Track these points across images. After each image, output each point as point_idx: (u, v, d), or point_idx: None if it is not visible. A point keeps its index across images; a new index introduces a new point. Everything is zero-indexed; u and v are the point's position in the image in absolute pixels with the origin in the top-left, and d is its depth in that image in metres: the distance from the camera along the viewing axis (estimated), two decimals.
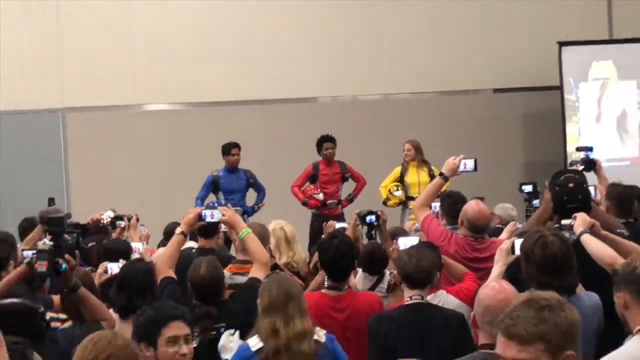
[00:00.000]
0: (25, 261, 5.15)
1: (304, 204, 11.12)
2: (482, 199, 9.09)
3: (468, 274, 5.60)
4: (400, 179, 11.03)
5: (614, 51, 14.10)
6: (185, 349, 3.83)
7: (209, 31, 13.64)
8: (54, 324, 4.86)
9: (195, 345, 4.01)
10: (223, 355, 4.84)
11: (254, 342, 4.43)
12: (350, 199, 11.25)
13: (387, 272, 5.93)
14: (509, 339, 2.75)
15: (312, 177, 11.28)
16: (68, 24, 13.41)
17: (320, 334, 4.48)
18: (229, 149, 11.23)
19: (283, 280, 4.60)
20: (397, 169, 11.18)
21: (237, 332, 4.87)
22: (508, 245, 4.95)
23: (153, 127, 13.55)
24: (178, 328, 3.85)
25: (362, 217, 6.68)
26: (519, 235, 5.23)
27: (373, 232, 6.51)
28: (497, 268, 4.93)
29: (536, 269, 4.47)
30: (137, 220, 8.83)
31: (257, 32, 13.74)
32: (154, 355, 3.80)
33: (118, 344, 3.25)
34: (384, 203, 10.40)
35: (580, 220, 5.03)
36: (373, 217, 6.57)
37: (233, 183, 11.10)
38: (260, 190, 11.23)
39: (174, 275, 5.37)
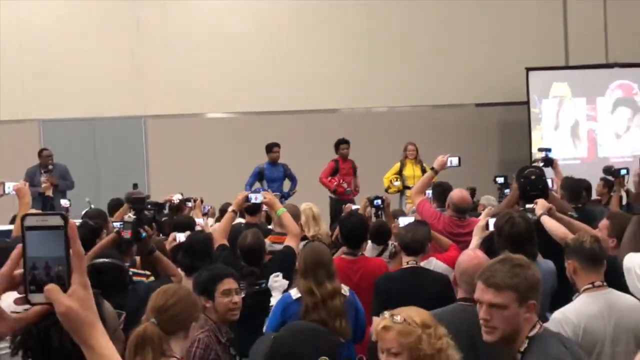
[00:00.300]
0: (115, 230, 5.18)
1: (334, 191, 11.09)
2: (474, 189, 9.09)
3: (452, 246, 5.59)
4: (399, 172, 11.03)
5: (569, 75, 14.05)
6: (236, 298, 3.86)
7: (257, 54, 13.61)
8: (138, 278, 4.86)
9: (243, 296, 4.02)
10: (273, 293, 4.84)
11: (294, 293, 4.43)
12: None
13: (390, 243, 5.91)
14: (487, 287, 2.79)
15: (335, 170, 11.28)
16: (150, 43, 13.41)
17: (345, 289, 4.47)
18: (272, 147, 11.22)
19: (315, 250, 4.53)
20: (396, 165, 11.16)
21: (280, 274, 4.88)
22: (483, 223, 4.95)
23: (214, 131, 13.54)
24: (229, 283, 3.87)
25: (371, 201, 6.65)
26: (492, 216, 5.21)
27: (379, 212, 6.47)
28: (475, 241, 4.93)
29: (505, 241, 4.46)
30: (202, 202, 8.88)
31: (295, 56, 13.71)
32: (212, 306, 3.82)
33: (183, 292, 3.30)
34: (386, 191, 10.35)
35: (540, 205, 5.01)
36: (379, 201, 6.53)
37: (274, 174, 11.09)
38: (293, 180, 11.18)
39: (227, 243, 5.39)
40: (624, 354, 3.70)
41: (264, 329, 4.52)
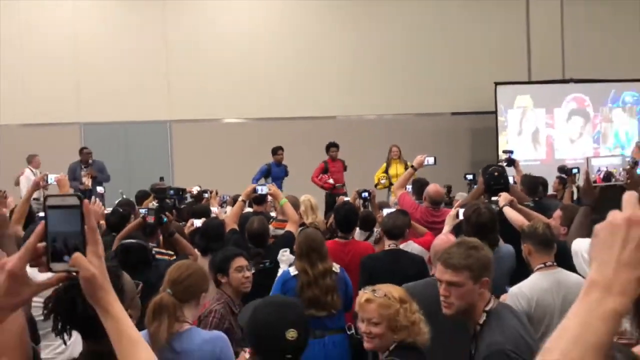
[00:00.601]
0: (141, 216, 5.18)
1: (322, 187, 11.10)
2: (450, 187, 9.02)
3: (428, 233, 5.59)
4: (386, 171, 11.04)
5: (531, 89, 14.03)
6: (247, 273, 3.90)
7: (266, 68, 13.59)
8: (162, 257, 4.81)
9: (252, 272, 4.04)
10: (280, 265, 4.83)
11: (293, 270, 4.45)
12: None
13: (375, 229, 5.90)
14: (445, 268, 2.75)
15: (324, 170, 11.25)
16: (175, 60, 13.39)
17: (336, 267, 4.47)
18: (277, 150, 11.27)
19: (309, 236, 4.50)
20: (383, 165, 11.17)
21: (288, 250, 4.85)
22: (454, 212, 4.92)
23: (228, 134, 13.55)
24: (241, 261, 3.89)
25: (359, 193, 6.61)
26: (462, 206, 5.20)
27: (366, 203, 6.46)
28: (446, 227, 4.90)
29: (472, 228, 4.43)
30: (217, 193, 8.88)
31: (299, 70, 13.70)
32: (227, 281, 3.83)
33: (195, 267, 3.31)
34: (375, 187, 10.35)
35: (503, 197, 4.99)
36: (367, 194, 6.48)
37: (278, 173, 11.13)
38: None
39: (237, 228, 5.39)
40: None
41: None
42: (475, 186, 7.57)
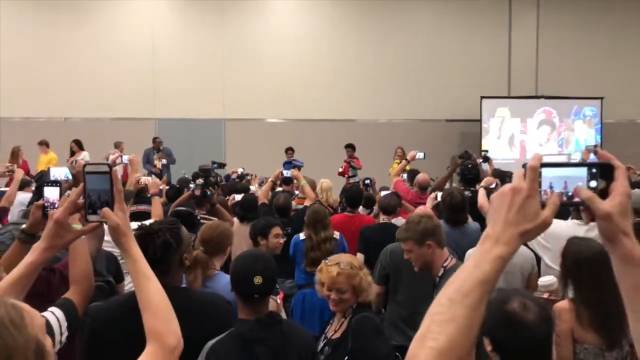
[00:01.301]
0: (191, 189, 5.24)
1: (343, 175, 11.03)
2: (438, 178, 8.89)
3: (413, 211, 5.56)
4: None
5: (509, 102, 13.79)
6: (281, 240, 3.98)
7: (301, 75, 13.60)
8: (205, 221, 4.87)
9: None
10: None
11: (302, 235, 4.51)
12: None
13: (375, 207, 5.92)
14: (399, 241, 3.01)
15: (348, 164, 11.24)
16: (230, 66, 13.36)
17: (336, 235, 4.50)
18: (287, 150, 11.22)
19: (314, 210, 4.53)
20: (394, 164, 11.05)
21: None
22: (433, 195, 4.94)
23: (270, 132, 13.55)
24: (278, 229, 3.98)
25: (363, 181, 6.65)
26: (438, 189, 5.25)
27: (368, 188, 6.44)
28: (428, 203, 4.92)
29: (446, 208, 4.46)
30: (255, 176, 8.95)
31: (326, 79, 13.68)
32: (265, 244, 3.89)
33: (222, 228, 3.31)
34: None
35: (485, 180, 5.08)
36: (369, 181, 6.48)
37: (287, 167, 10.88)
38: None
39: (267, 202, 5.46)
40: (513, 284, 3.73)
41: None
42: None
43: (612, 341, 2.51)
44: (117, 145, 11.69)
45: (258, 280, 2.28)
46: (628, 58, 14.00)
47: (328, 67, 13.66)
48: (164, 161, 10.90)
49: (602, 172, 1.02)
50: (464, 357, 0.96)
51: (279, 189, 6.78)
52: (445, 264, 2.84)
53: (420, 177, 6.09)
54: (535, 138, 13.67)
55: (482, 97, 13.32)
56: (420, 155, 6.33)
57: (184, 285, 2.36)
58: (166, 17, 13.41)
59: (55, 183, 2.12)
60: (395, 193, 5.46)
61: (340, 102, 13.60)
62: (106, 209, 1.38)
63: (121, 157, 5.18)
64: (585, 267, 2.58)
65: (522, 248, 3.88)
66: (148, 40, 13.17)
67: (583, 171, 1.03)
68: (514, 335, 1.74)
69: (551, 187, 1.03)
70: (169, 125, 13.23)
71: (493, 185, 4.97)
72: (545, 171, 1.03)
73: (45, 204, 2.03)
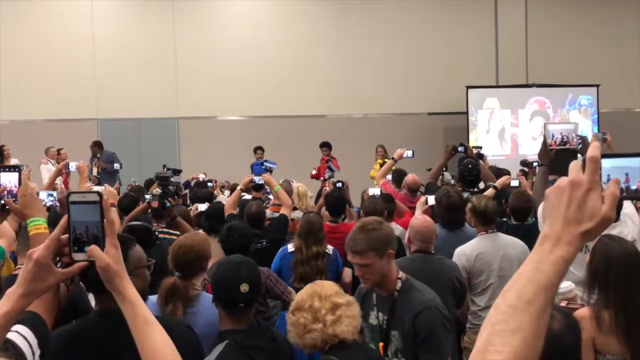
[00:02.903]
0: (146, 201, 5.13)
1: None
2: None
3: (407, 212, 5.58)
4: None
5: (498, 92, 14.03)
6: None
7: (262, 70, 13.57)
8: (168, 236, 4.77)
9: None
10: None
11: (290, 247, 4.47)
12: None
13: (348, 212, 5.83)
14: (353, 254, 2.72)
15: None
16: (183, 64, 13.30)
17: (329, 249, 4.48)
18: (256, 150, 11.14)
19: (308, 220, 4.48)
20: (378, 164, 11.13)
21: None
22: (424, 199, 4.95)
23: (227, 129, 13.48)
24: None
25: (334, 184, 6.61)
26: (426, 185, 5.29)
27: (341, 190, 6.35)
28: (418, 211, 4.89)
29: (442, 209, 4.49)
30: (217, 182, 8.85)
31: (293, 72, 13.66)
32: None
33: (196, 241, 3.26)
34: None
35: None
36: (340, 183, 6.42)
37: (257, 170, 10.84)
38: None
39: (234, 212, 5.36)
40: (506, 278, 3.84)
41: None
42: (447, 174, 7.66)
43: (638, 350, 2.54)
44: (47, 152, 11.43)
45: (244, 288, 2.35)
46: (623, 44, 14.41)
47: (294, 60, 13.66)
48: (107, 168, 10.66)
49: None
50: None
51: (248, 196, 6.72)
52: (399, 276, 2.79)
53: (409, 178, 6.12)
54: (528, 131, 13.92)
55: (467, 87, 13.50)
56: (408, 153, 6.35)
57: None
58: (109, 10, 13.22)
59: (14, 168, 2.05)
60: (385, 195, 5.47)
61: (308, 97, 13.62)
62: (94, 247, 1.32)
63: (67, 164, 5.02)
64: (615, 268, 2.62)
65: (515, 239, 4.02)
66: (88, 35, 12.96)
67: None
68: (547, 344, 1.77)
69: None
70: (114, 126, 13.05)
71: (516, 183, 5.12)
72: (605, 162, 1.03)
73: (1, 194, 1.98)
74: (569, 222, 0.98)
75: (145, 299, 2.46)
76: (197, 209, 6.00)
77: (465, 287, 3.87)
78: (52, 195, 3.77)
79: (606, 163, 1.04)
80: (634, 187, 1.06)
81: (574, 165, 1.02)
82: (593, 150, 1.01)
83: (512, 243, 4.07)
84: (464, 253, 4.04)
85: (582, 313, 2.66)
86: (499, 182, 5.10)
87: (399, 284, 2.77)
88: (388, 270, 2.74)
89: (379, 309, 2.82)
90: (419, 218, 3.86)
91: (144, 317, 1.36)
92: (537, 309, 0.96)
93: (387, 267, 2.73)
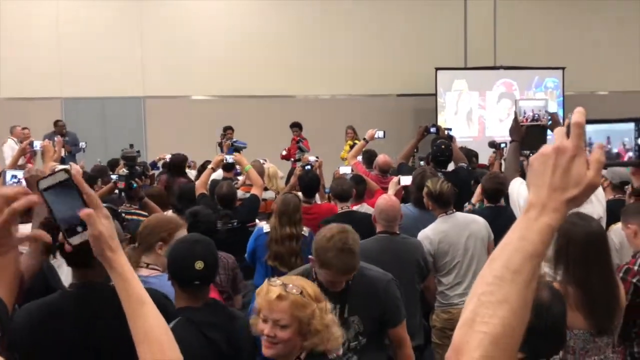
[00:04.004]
0: (112, 181, 5.05)
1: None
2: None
3: (378, 191, 5.57)
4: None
5: (466, 74, 14.13)
6: None
7: (232, 50, 13.40)
8: (136, 217, 4.67)
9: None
10: None
11: (265, 227, 4.43)
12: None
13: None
14: (343, 275, 2.77)
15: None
16: (149, 40, 13.07)
17: (305, 230, 4.44)
18: (225, 130, 11.04)
19: (284, 201, 4.42)
20: (348, 145, 11.12)
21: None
22: (396, 179, 5.00)
23: (196, 109, 13.34)
24: None
25: (303, 167, 6.46)
26: (398, 166, 5.32)
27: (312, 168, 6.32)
28: (390, 191, 4.98)
29: (416, 188, 4.54)
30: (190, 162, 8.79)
31: (262, 52, 13.54)
32: None
33: (150, 220, 3.23)
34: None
35: None
36: (309, 166, 6.31)
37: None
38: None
39: (206, 192, 5.34)
40: (472, 256, 4.07)
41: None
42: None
43: (601, 325, 2.61)
44: (12, 131, 11.13)
45: (199, 265, 2.34)
46: (588, 27, 14.64)
47: (261, 39, 13.51)
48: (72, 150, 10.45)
49: None
50: (519, 345, 0.94)
51: (216, 175, 6.67)
52: None
53: (380, 159, 6.15)
54: (495, 113, 14.08)
55: (436, 69, 13.57)
56: (380, 134, 6.39)
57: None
58: None
59: None
60: (356, 176, 5.48)
61: (276, 77, 13.50)
62: (89, 212, 1.25)
63: (31, 143, 4.89)
64: (574, 246, 2.66)
65: (474, 216, 4.10)
66: (52, 12, 12.61)
67: (630, 127, 1.04)
68: (535, 315, 1.83)
69: (591, 145, 1.03)
70: (78, 105, 12.80)
71: None
72: (589, 128, 1.02)
73: None
74: (554, 188, 0.97)
75: None
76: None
77: (429, 266, 3.98)
78: (15, 176, 3.65)
79: (589, 128, 1.03)
80: (615, 151, 1.04)
81: (559, 132, 1.01)
82: (578, 115, 1.00)
83: (472, 220, 4.14)
84: (426, 237, 4.08)
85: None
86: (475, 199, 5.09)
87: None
88: None
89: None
90: (385, 197, 3.89)
91: (137, 296, 1.30)
92: (524, 278, 0.94)
93: None
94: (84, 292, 2.01)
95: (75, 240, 1.27)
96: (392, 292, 2.93)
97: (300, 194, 5.15)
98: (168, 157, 8.19)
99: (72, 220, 1.27)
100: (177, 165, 6.26)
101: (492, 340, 0.91)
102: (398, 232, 3.82)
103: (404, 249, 3.72)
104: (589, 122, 1.01)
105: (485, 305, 0.93)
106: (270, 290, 2.05)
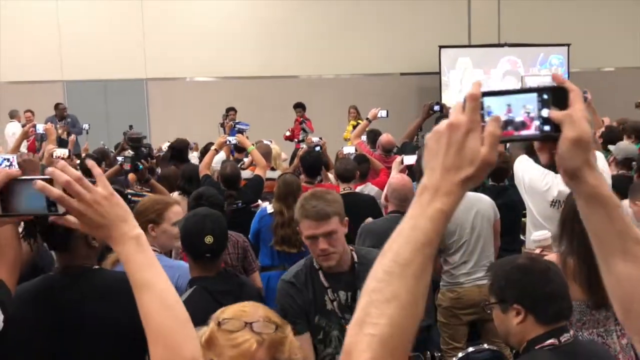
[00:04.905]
0: (118, 163, 5.07)
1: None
2: None
3: (383, 170, 5.55)
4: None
5: (471, 51, 14.01)
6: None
7: (236, 31, 13.29)
8: (137, 198, 4.70)
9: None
10: None
11: (269, 208, 4.41)
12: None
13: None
14: (316, 221, 2.44)
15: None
16: (151, 22, 12.94)
17: None
18: (227, 111, 10.98)
19: (287, 181, 4.40)
20: (351, 125, 11.06)
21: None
22: (399, 159, 4.96)
23: (198, 91, 13.26)
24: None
25: (312, 148, 6.53)
26: (401, 145, 5.28)
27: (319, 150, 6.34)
28: (394, 172, 4.93)
29: (419, 169, 4.52)
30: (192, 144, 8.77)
31: (268, 33, 13.44)
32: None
33: (145, 201, 3.22)
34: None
35: None
36: (319, 147, 6.39)
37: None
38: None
39: (209, 173, 5.34)
40: (479, 235, 4.01)
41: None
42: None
43: (600, 299, 2.60)
44: (13, 115, 11.12)
45: (209, 239, 2.47)
46: (593, 2, 14.45)
47: (265, 20, 13.39)
48: (73, 136, 10.40)
49: (555, 98, 0.92)
50: (411, 341, 0.89)
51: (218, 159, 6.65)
52: (351, 246, 2.66)
53: (383, 138, 6.13)
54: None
55: (440, 47, 13.46)
56: (382, 113, 6.35)
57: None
58: None
59: None
60: (360, 156, 5.46)
61: (279, 57, 13.41)
62: (41, 183, 1.20)
63: (34, 126, 4.89)
64: (580, 219, 2.64)
65: (480, 195, 4.07)
66: None
67: (532, 98, 0.93)
68: (537, 280, 1.91)
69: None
70: (80, 88, 12.76)
71: None
72: (487, 101, 0.93)
73: None
74: (447, 169, 0.89)
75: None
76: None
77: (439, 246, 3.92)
78: (8, 159, 3.63)
79: (490, 102, 0.93)
80: (519, 119, 0.93)
81: (454, 107, 0.93)
82: (473, 87, 0.92)
83: (478, 199, 4.09)
84: None
85: (551, 258, 2.72)
86: None
87: (354, 254, 2.57)
88: (344, 241, 2.52)
89: (335, 289, 2.54)
90: (397, 177, 3.87)
91: (135, 279, 1.23)
92: (414, 271, 0.87)
93: (344, 237, 2.52)
94: (61, 276, 1.99)
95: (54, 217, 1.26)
96: None
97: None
98: (164, 147, 8.07)
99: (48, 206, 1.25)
100: (180, 150, 6.21)
101: (380, 341, 0.86)
102: None
103: None
104: (486, 94, 0.93)
105: (375, 304, 0.88)
106: (240, 341, 1.47)
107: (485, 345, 2.93)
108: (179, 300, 1.23)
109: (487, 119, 0.92)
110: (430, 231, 0.89)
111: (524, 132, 0.93)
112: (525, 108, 0.93)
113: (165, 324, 1.19)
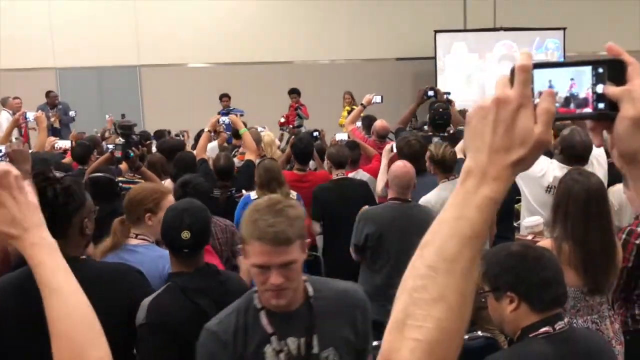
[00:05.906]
0: (109, 151, 5.02)
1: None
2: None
3: (376, 156, 5.52)
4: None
5: (466, 36, 13.91)
6: None
7: (231, 17, 13.18)
8: (132, 185, 4.70)
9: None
10: None
11: (253, 195, 4.35)
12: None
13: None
14: (274, 245, 1.78)
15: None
16: (144, 8, 12.84)
17: (293, 195, 4.38)
18: (222, 97, 10.90)
19: (267, 167, 4.35)
20: (345, 109, 11.00)
21: None
22: (389, 147, 4.95)
23: (193, 77, 13.18)
24: None
25: (311, 133, 6.55)
26: (396, 131, 5.27)
27: (318, 141, 6.33)
28: (384, 160, 4.92)
29: (404, 157, 4.46)
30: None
31: (263, 19, 13.33)
32: None
33: (137, 190, 3.16)
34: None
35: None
36: (317, 133, 6.42)
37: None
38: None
39: (205, 157, 5.32)
40: None
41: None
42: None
43: (595, 284, 2.58)
44: (5, 102, 11.02)
45: (185, 235, 2.39)
46: None
47: (258, 5, 13.29)
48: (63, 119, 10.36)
49: (612, 71, 0.83)
50: (459, 349, 0.80)
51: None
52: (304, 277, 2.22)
53: (378, 124, 6.08)
54: (496, 76, 13.87)
55: (435, 32, 13.37)
56: (377, 98, 6.30)
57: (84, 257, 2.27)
58: None
59: None
60: (350, 142, 5.42)
61: (273, 43, 13.31)
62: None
63: (25, 114, 4.83)
64: (574, 202, 2.62)
65: None
66: None
67: (586, 72, 0.84)
68: (533, 267, 1.89)
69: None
70: (73, 75, 12.66)
71: None
72: (537, 74, 0.83)
73: None
74: (496, 150, 0.80)
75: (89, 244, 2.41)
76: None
77: None
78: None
79: (538, 75, 0.83)
80: (582, 96, 0.84)
81: (500, 80, 0.83)
82: (523, 57, 0.82)
83: None
84: (428, 202, 4.02)
85: (544, 244, 2.69)
86: None
87: (309, 287, 1.94)
88: (301, 271, 1.90)
89: (282, 335, 1.89)
90: (399, 164, 3.84)
91: (47, 282, 1.14)
92: (462, 268, 0.78)
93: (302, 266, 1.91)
94: None
95: None
96: (369, 314, 2.03)
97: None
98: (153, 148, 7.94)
99: None
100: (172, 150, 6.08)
101: (426, 348, 0.77)
102: (410, 199, 3.78)
103: (418, 216, 3.67)
104: (537, 65, 0.83)
105: (418, 304, 0.78)
106: None
107: (480, 333, 2.91)
108: (87, 304, 1.16)
109: (538, 92, 0.82)
110: (479, 222, 0.79)
111: (578, 111, 0.84)
112: (590, 83, 0.83)
113: (71, 328, 1.12)
